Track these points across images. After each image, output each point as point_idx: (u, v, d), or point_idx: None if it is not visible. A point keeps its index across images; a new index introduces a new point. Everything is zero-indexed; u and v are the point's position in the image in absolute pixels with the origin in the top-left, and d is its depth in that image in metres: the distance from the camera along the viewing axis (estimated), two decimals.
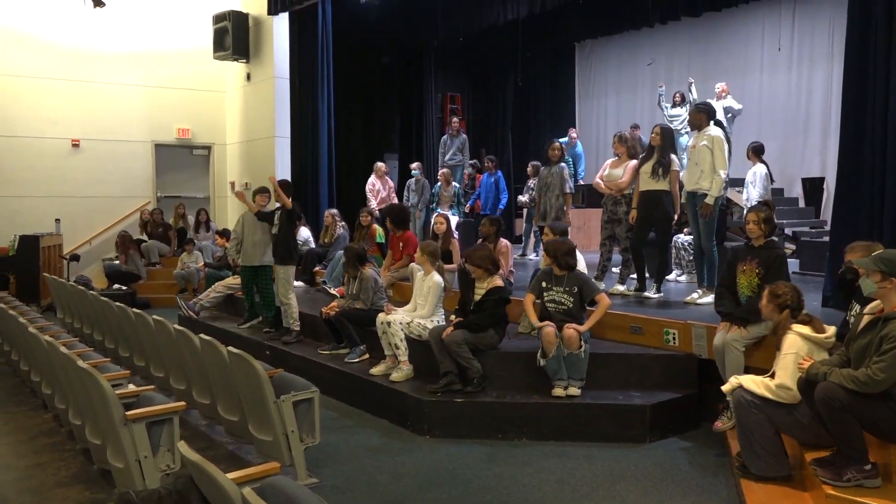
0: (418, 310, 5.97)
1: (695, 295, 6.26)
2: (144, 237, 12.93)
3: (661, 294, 6.61)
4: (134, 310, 6.40)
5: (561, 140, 10.28)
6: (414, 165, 10.98)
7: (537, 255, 9.91)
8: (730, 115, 10.23)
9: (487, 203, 10.75)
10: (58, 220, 12.52)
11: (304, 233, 10.12)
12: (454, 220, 10.13)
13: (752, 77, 12.15)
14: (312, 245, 10.08)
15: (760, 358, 4.68)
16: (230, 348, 4.54)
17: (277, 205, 7.60)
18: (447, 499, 4.18)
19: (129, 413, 3.80)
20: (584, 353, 5.14)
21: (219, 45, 12.95)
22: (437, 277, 5.94)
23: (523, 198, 10.49)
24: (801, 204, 10.93)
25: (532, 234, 10.36)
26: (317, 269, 9.62)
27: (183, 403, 4.18)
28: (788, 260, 5.52)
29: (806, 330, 3.94)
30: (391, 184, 11.29)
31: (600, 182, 6.99)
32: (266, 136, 12.98)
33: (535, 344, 5.24)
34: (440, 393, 5.27)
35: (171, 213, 13.41)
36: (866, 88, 5.46)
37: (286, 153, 12.51)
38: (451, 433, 5.16)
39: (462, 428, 5.17)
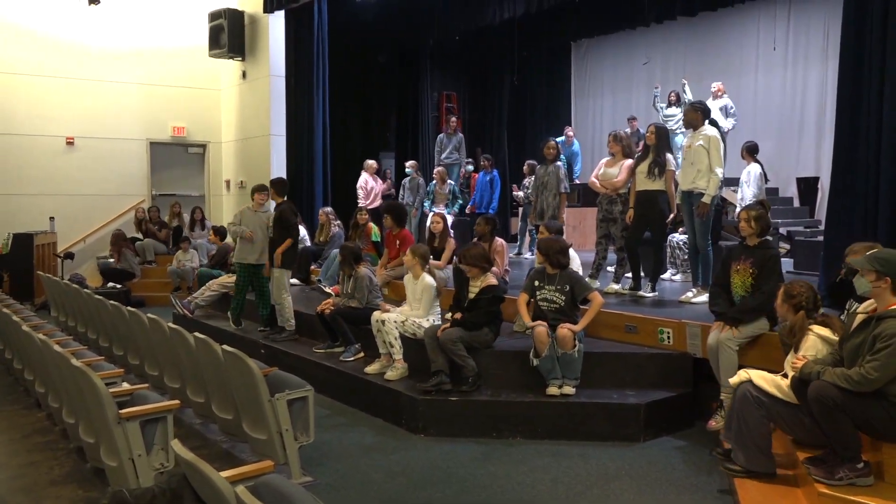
0: (413, 311, 5.97)
1: (689, 294, 6.27)
2: (139, 235, 12.91)
3: (656, 293, 6.63)
4: (128, 308, 6.38)
5: (557, 139, 10.32)
6: (409, 164, 10.98)
7: (532, 254, 9.92)
8: (730, 112, 10.26)
9: (483, 202, 10.75)
10: (52, 218, 12.48)
11: (300, 231, 10.10)
12: (449, 218, 10.15)
13: (747, 77, 12.17)
14: (308, 243, 10.07)
15: (754, 357, 4.69)
16: (224, 347, 4.54)
17: (273, 203, 7.59)
18: (441, 497, 4.18)
19: (122, 411, 3.79)
20: (579, 352, 5.14)
21: (214, 42, 12.91)
22: (428, 279, 5.93)
23: (519, 193, 10.50)
24: (796, 203, 10.95)
25: (527, 233, 10.37)
26: (312, 267, 9.61)
27: (177, 402, 4.16)
28: (783, 259, 5.53)
29: (825, 332, 3.91)
30: (381, 182, 11.29)
31: (595, 181, 7.00)
32: (262, 135, 12.97)
33: (530, 343, 5.24)
34: (431, 392, 5.26)
35: (167, 211, 13.38)
36: (861, 87, 5.48)
37: (282, 151, 12.49)
38: (446, 432, 5.16)
39: (457, 426, 5.17)
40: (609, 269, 7.33)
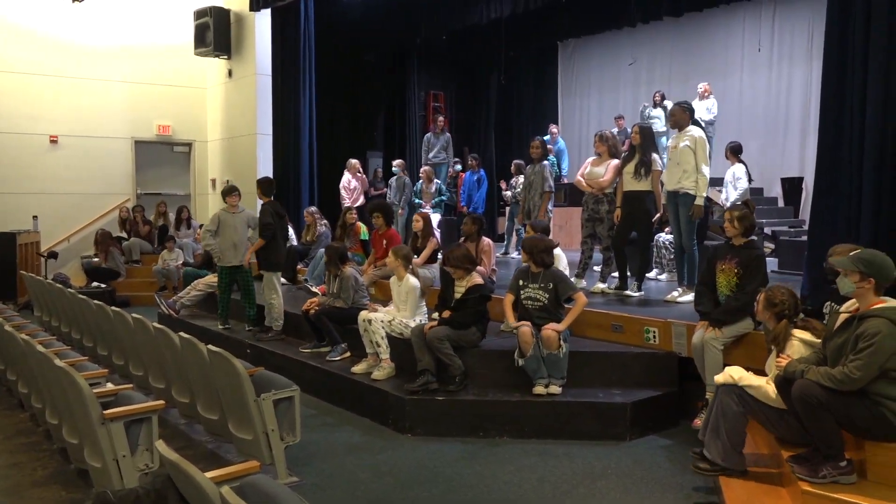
0: (400, 312, 5.96)
1: (675, 293, 6.30)
2: (124, 234, 12.81)
3: (642, 292, 6.66)
4: (113, 308, 6.33)
5: (544, 138, 10.35)
6: (395, 163, 10.98)
7: (519, 254, 9.93)
8: (711, 111, 10.33)
9: (471, 201, 10.77)
10: (35, 217, 12.36)
11: (288, 231, 10.07)
12: (436, 217, 10.15)
13: (732, 77, 12.25)
14: (294, 242, 10.04)
15: (739, 356, 4.72)
16: (210, 347, 4.51)
17: (260, 202, 7.57)
18: (428, 497, 4.18)
19: (106, 412, 3.76)
20: (563, 352, 5.15)
21: (200, 40, 12.83)
22: (412, 280, 5.93)
23: (507, 192, 10.52)
24: (781, 203, 11.03)
25: (514, 233, 10.39)
26: (299, 266, 9.58)
27: (162, 402, 4.14)
28: (767, 259, 5.57)
29: (807, 335, 3.96)
30: (365, 180, 11.28)
31: (581, 180, 7.02)
32: (248, 134, 12.90)
33: (516, 342, 5.24)
34: (418, 392, 5.26)
35: (152, 210, 13.28)
36: (844, 87, 5.52)
37: (268, 151, 12.44)
38: (433, 431, 5.16)
39: (443, 426, 5.17)
40: (595, 268, 7.36)
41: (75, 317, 7.50)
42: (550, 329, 5.08)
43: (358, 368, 5.92)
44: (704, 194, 6.09)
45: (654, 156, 6.59)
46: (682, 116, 6.25)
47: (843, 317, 3.62)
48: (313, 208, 10.22)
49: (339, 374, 6.00)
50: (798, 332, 3.99)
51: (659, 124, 10.85)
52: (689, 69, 12.62)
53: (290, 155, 11.92)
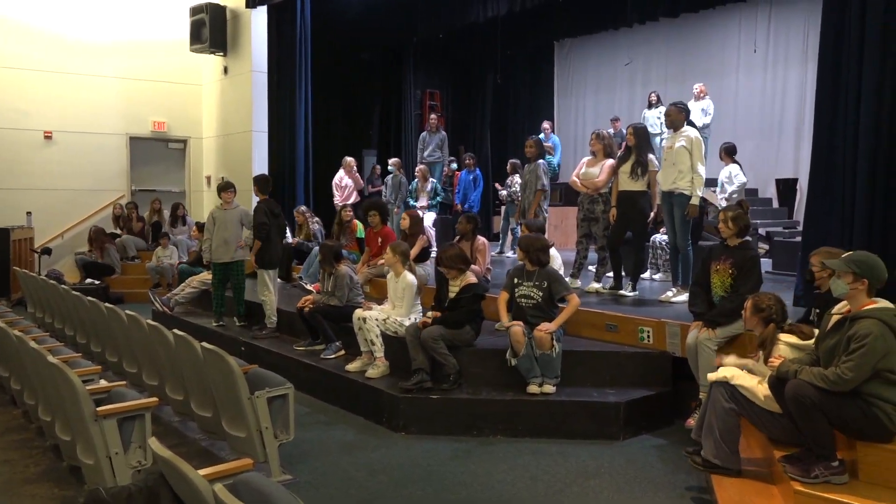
0: (396, 309, 5.96)
1: (669, 293, 6.32)
2: (118, 231, 12.78)
3: (637, 292, 6.67)
4: (106, 304, 6.32)
5: (539, 136, 10.35)
6: (391, 162, 10.97)
7: (514, 253, 9.94)
8: (707, 113, 10.35)
9: (466, 200, 10.77)
10: (29, 213, 12.31)
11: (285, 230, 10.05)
12: (431, 216, 10.14)
13: (728, 78, 12.28)
14: (289, 240, 10.02)
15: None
16: (204, 344, 4.50)
17: (256, 200, 7.57)
18: (422, 495, 4.18)
19: (100, 409, 3.75)
20: (557, 352, 5.15)
21: (195, 37, 12.81)
22: (409, 277, 5.92)
23: (503, 191, 10.51)
24: (775, 204, 11.07)
25: (510, 232, 10.40)
26: (294, 264, 9.57)
27: (155, 399, 4.13)
28: (762, 260, 5.58)
29: (793, 339, 3.99)
30: (359, 179, 11.26)
31: (576, 180, 7.02)
32: (243, 131, 12.88)
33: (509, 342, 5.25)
34: (412, 391, 5.26)
35: (147, 207, 13.25)
36: (839, 90, 5.54)
37: (263, 148, 12.43)
38: (427, 430, 5.16)
39: (437, 425, 5.17)
40: (590, 268, 7.37)
41: (69, 313, 7.48)
42: (542, 330, 5.08)
43: (352, 367, 5.92)
44: (700, 194, 6.11)
45: (651, 156, 6.61)
46: (677, 117, 6.26)
47: (835, 318, 3.64)
48: (303, 207, 10.18)
49: (334, 373, 6.00)
50: (784, 337, 4.02)
51: (655, 128, 10.87)
52: (685, 70, 12.65)
53: (286, 152, 11.91)
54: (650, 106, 11.46)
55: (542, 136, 11.87)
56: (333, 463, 4.68)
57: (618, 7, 12.13)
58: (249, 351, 7.01)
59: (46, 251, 12.11)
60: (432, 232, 9.80)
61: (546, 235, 6.90)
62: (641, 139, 6.61)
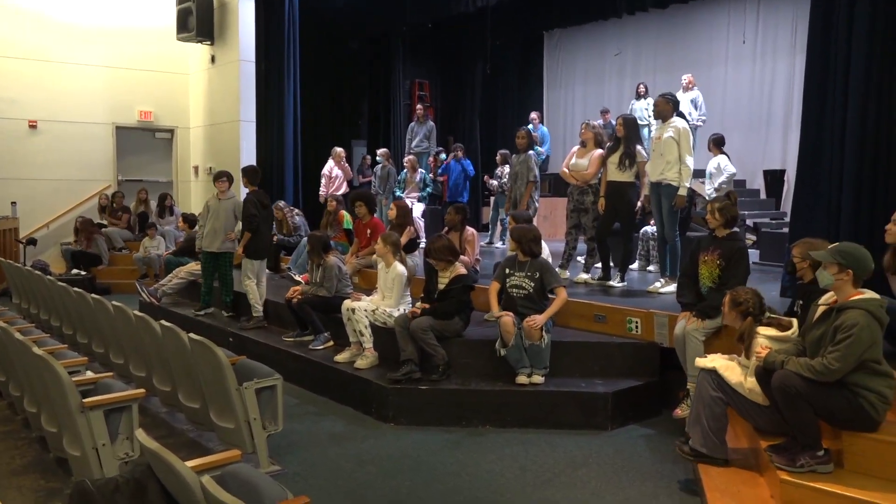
0: (385, 300, 5.95)
1: (657, 284, 6.34)
2: (104, 221, 12.68)
3: (625, 283, 6.69)
4: (93, 295, 6.27)
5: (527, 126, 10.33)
6: (379, 152, 10.93)
7: (504, 244, 9.94)
8: (699, 105, 10.37)
9: (456, 190, 10.75)
10: (14, 203, 12.18)
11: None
12: (420, 207, 10.12)
13: (716, 69, 12.30)
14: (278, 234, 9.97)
15: (720, 347, 4.74)
16: (191, 335, 4.48)
17: (245, 191, 7.54)
18: (411, 485, 4.19)
19: (86, 401, 3.73)
20: (546, 343, 5.16)
21: (182, 25, 12.70)
22: (399, 268, 5.91)
23: (493, 182, 10.49)
24: (763, 195, 11.12)
25: (499, 222, 10.40)
26: (282, 255, 9.53)
27: (142, 391, 4.10)
28: (749, 250, 5.61)
29: (771, 331, 4.01)
30: (348, 169, 11.20)
31: (566, 171, 7.02)
32: (231, 120, 12.79)
33: (499, 332, 5.25)
34: (401, 381, 5.26)
35: (133, 197, 13.15)
36: (827, 81, 5.57)
37: (251, 138, 12.34)
38: (416, 420, 5.17)
39: (426, 415, 5.17)
40: (579, 259, 7.38)
41: (55, 304, 7.42)
42: (532, 322, 5.08)
43: (341, 357, 5.91)
44: (687, 185, 6.12)
45: (639, 147, 6.61)
46: (665, 108, 6.26)
47: (821, 308, 3.66)
48: (281, 203, 10.05)
49: (322, 363, 5.98)
50: (763, 329, 4.02)
51: (643, 119, 10.88)
52: (674, 61, 12.66)
53: (274, 142, 11.83)
54: (638, 97, 11.47)
55: (530, 126, 11.86)
56: (322, 454, 4.68)
57: None
58: (237, 342, 6.99)
59: (32, 241, 12.01)
60: (421, 223, 9.78)
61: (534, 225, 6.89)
62: (631, 130, 6.62)
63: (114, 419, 3.85)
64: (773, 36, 11.63)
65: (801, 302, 4.26)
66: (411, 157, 10.59)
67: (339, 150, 11.10)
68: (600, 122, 11.29)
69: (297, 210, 9.97)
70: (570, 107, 14.86)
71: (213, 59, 13.09)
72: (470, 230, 6.70)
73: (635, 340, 5.48)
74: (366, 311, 5.82)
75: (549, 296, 5.39)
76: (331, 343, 6.38)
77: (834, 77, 5.48)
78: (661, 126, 6.27)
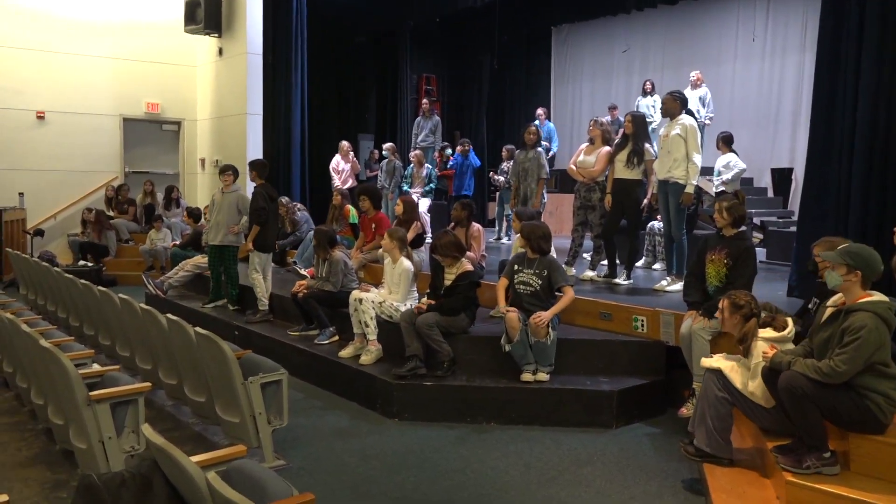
0: (392, 295, 5.95)
1: (664, 282, 6.33)
2: (111, 213, 12.71)
3: (631, 281, 6.68)
4: (99, 287, 6.29)
5: (535, 123, 10.30)
6: (386, 147, 10.92)
7: (510, 239, 9.93)
8: (707, 103, 10.31)
9: (462, 185, 10.73)
10: (21, 194, 12.22)
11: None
12: (426, 202, 10.11)
13: (725, 66, 12.24)
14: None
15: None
16: (198, 329, 4.49)
17: (252, 185, 7.54)
18: (415, 481, 4.19)
19: (92, 393, 3.74)
20: (551, 340, 5.15)
21: (190, 18, 12.68)
22: (406, 263, 5.90)
23: (499, 177, 10.45)
24: (770, 194, 11.07)
25: (504, 218, 10.39)
26: (288, 249, 9.54)
27: (148, 384, 4.11)
28: (756, 249, 5.59)
29: (769, 333, 3.99)
30: (356, 163, 11.17)
31: (573, 167, 7.00)
32: (238, 113, 12.79)
33: (504, 328, 5.25)
34: (406, 377, 5.26)
35: (139, 188, 13.17)
36: (837, 81, 5.53)
37: (258, 131, 12.34)
38: (420, 416, 5.17)
39: (431, 411, 5.17)
40: (585, 256, 7.36)
41: (61, 296, 7.45)
42: (538, 319, 5.07)
43: (345, 353, 5.91)
44: (695, 182, 6.10)
45: (647, 145, 6.59)
46: (672, 105, 6.23)
47: (829, 310, 3.64)
48: (284, 199, 10.06)
49: (327, 358, 5.99)
50: (761, 332, 4.00)
51: (649, 115, 10.83)
52: (683, 58, 12.60)
53: (281, 136, 11.83)
54: (644, 94, 11.42)
55: (536, 122, 11.84)
56: (327, 448, 4.69)
57: None
58: (243, 335, 7.01)
59: (39, 233, 12.04)
60: (427, 218, 9.77)
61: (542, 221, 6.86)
62: (639, 127, 6.60)
63: (120, 412, 3.87)
64: (782, 33, 11.57)
65: (817, 300, 4.23)
66: (417, 152, 10.58)
67: (344, 143, 11.09)
68: (608, 118, 11.26)
69: (300, 205, 9.96)
70: (578, 103, 14.81)
71: (220, 52, 13.08)
72: (476, 226, 6.69)
73: (641, 339, 5.47)
74: (373, 302, 5.82)
75: (557, 294, 5.37)
76: (336, 338, 6.38)
77: (844, 75, 5.45)
78: (669, 124, 6.25)
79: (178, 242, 10.65)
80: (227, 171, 7.66)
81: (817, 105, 5.78)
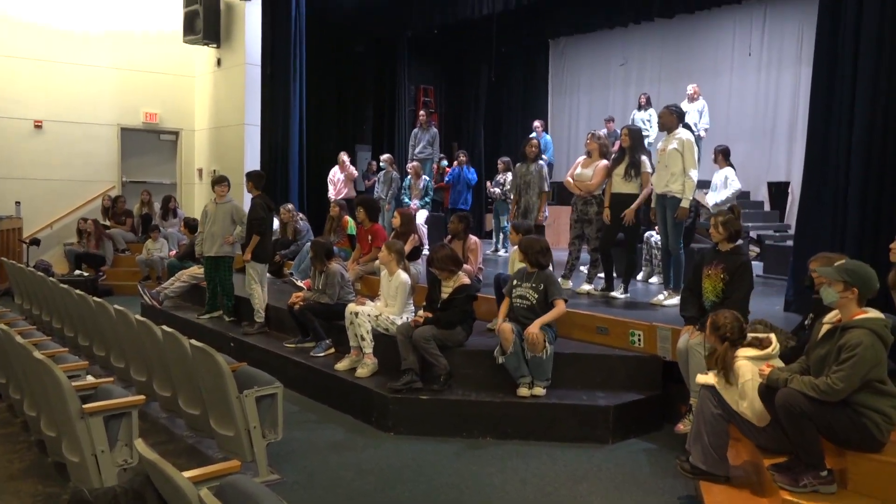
0: (388, 308, 5.93)
1: (660, 296, 6.32)
2: (107, 223, 12.69)
3: (628, 294, 6.67)
4: (94, 298, 6.26)
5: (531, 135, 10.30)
6: (383, 158, 10.93)
7: (506, 251, 9.93)
8: (703, 114, 10.34)
9: (459, 198, 10.73)
10: (18, 203, 12.21)
11: (274, 224, 9.98)
12: (423, 214, 10.11)
13: (721, 79, 12.29)
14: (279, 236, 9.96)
15: None
16: (193, 341, 4.46)
17: (248, 196, 7.54)
18: (410, 496, 4.16)
19: (86, 406, 3.72)
20: (548, 354, 5.13)
21: (189, 28, 12.71)
22: (403, 276, 5.89)
23: (496, 189, 10.46)
24: (767, 207, 11.09)
25: (500, 230, 10.40)
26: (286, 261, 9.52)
27: (142, 397, 4.09)
28: (753, 263, 5.58)
29: (750, 352, 3.94)
30: (352, 173, 11.15)
31: (570, 180, 7.01)
32: (236, 124, 12.80)
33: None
34: (402, 391, 5.24)
35: (136, 198, 13.15)
36: (833, 95, 5.55)
37: (256, 141, 12.36)
38: (416, 430, 5.15)
39: (427, 425, 5.15)
40: (582, 268, 7.36)
41: (56, 306, 7.42)
42: (534, 333, 5.04)
43: (341, 365, 5.89)
44: (691, 197, 6.10)
45: (644, 158, 6.59)
46: (669, 119, 6.23)
47: (825, 327, 3.64)
48: (290, 205, 10.09)
49: (323, 371, 5.96)
50: (743, 351, 3.95)
51: (647, 128, 10.86)
52: (680, 71, 12.65)
53: (279, 146, 11.84)
54: (640, 108, 11.46)
55: (533, 134, 11.86)
56: (322, 462, 4.66)
57: (613, 6, 12.14)
58: (238, 347, 6.98)
59: (35, 242, 12.02)
60: (424, 230, 9.76)
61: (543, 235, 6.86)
62: (636, 140, 6.61)
63: (113, 425, 3.84)
64: (778, 47, 11.62)
65: (812, 316, 4.22)
66: (415, 163, 10.59)
67: (340, 155, 11.12)
68: (604, 130, 11.30)
69: (301, 215, 9.97)
70: (575, 115, 14.85)
71: (219, 62, 13.11)
72: (473, 239, 6.69)
73: (638, 353, 5.46)
74: (369, 315, 5.80)
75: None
76: (332, 350, 6.36)
77: (841, 89, 5.47)
78: (667, 137, 6.25)
79: (175, 253, 10.63)
80: (223, 183, 7.67)
81: (814, 119, 5.79)
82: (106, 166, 13.30)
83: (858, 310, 3.48)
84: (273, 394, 4.33)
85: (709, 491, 3.83)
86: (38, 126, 12.53)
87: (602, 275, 6.86)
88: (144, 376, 5.35)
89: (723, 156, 8.47)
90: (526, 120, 14.54)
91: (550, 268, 5.46)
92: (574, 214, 6.98)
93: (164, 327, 4.85)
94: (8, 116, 12.23)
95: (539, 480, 4.37)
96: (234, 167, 12.06)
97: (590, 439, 4.97)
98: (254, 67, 12.37)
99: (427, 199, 10.36)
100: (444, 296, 5.56)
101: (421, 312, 5.66)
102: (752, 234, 9.55)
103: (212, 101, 13.50)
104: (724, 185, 8.34)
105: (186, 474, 2.62)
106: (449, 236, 6.74)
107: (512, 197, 7.91)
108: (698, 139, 9.75)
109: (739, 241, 4.93)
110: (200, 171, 13.89)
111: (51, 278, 7.89)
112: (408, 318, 5.73)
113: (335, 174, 10.94)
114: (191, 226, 10.16)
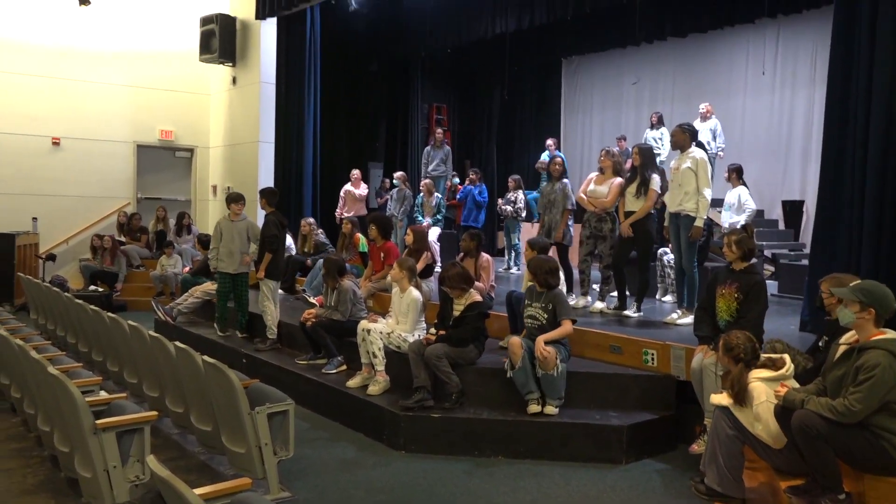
0: (399, 325, 5.93)
1: (674, 315, 6.28)
2: (122, 239, 12.79)
3: (641, 313, 6.62)
4: (108, 314, 6.30)
5: (543, 154, 10.32)
6: (397, 175, 10.98)
7: (518, 269, 9.91)
8: (717, 135, 10.31)
9: (470, 216, 10.74)
10: (35, 219, 12.33)
11: (287, 240, 10.03)
12: (436, 231, 10.12)
13: (735, 99, 12.27)
14: (293, 252, 10.01)
15: None
16: (205, 357, 4.48)
17: (262, 212, 7.59)
18: None
19: (99, 422, 3.73)
20: (559, 372, 5.09)
21: (205, 47, 12.87)
22: (415, 293, 5.88)
23: (507, 207, 10.46)
24: (781, 226, 11.02)
25: (512, 248, 10.40)
26: (297, 276, 9.55)
27: (154, 413, 4.10)
28: (767, 282, 5.54)
29: (764, 373, 3.92)
30: (361, 195, 11.21)
31: (583, 197, 7.00)
32: (250, 141, 12.91)
33: None
34: (413, 409, 5.22)
35: (151, 215, 13.26)
36: (847, 115, 5.53)
37: (270, 159, 12.45)
38: (427, 448, 5.12)
39: (438, 443, 5.12)
40: (594, 286, 7.32)
41: (71, 321, 7.47)
42: (544, 350, 5.02)
43: (353, 383, 5.88)
44: (705, 216, 6.08)
45: (655, 176, 6.57)
46: (681, 138, 6.23)
47: (842, 348, 3.60)
48: (311, 219, 10.19)
49: (335, 388, 5.95)
50: (757, 372, 3.93)
51: (658, 147, 10.84)
52: (692, 90, 12.63)
53: (292, 164, 11.93)
54: (651, 126, 11.45)
55: (546, 153, 11.89)
56: (332, 480, 4.64)
57: (626, 25, 12.15)
58: (251, 363, 6.99)
59: (51, 257, 12.13)
60: (437, 247, 9.77)
61: (550, 253, 6.83)
62: (647, 159, 6.61)
63: (126, 441, 3.84)
64: (792, 67, 11.59)
65: (826, 338, 4.18)
66: (427, 181, 10.63)
67: (353, 171, 11.19)
68: (616, 149, 11.27)
69: (321, 230, 10.03)
70: (588, 133, 14.85)
71: (234, 81, 13.25)
72: (485, 256, 6.68)
73: (651, 373, 5.41)
74: (381, 333, 5.80)
75: None
76: (344, 367, 6.36)
77: (855, 108, 5.45)
78: (681, 156, 6.25)
79: (188, 269, 10.69)
80: (240, 201, 7.72)
81: (828, 140, 5.76)
82: (121, 183, 13.43)
83: (876, 330, 3.45)
84: (285, 411, 4.32)
85: None
86: (55, 143, 12.69)
87: (615, 293, 6.82)
88: (157, 392, 5.37)
89: (736, 174, 8.44)
90: (538, 138, 14.55)
91: (563, 287, 5.44)
92: (586, 231, 6.96)
93: (178, 343, 4.87)
94: (26, 134, 12.39)
95: (551, 501, 4.33)
96: (248, 184, 12.14)
97: (603, 459, 4.93)
98: (269, 86, 12.49)
99: (439, 217, 10.38)
100: (456, 313, 5.55)
101: (433, 330, 5.65)
102: (767, 252, 9.48)
103: (227, 118, 13.62)
104: (737, 204, 8.30)
105: (198, 491, 2.61)
106: (461, 254, 6.74)
107: (529, 214, 7.88)
108: (715, 159, 9.73)
109: (753, 260, 4.91)
110: (215, 187, 13.99)
111: (66, 293, 7.95)
112: (420, 336, 5.72)
113: (346, 191, 10.99)
114: (204, 242, 10.22)
